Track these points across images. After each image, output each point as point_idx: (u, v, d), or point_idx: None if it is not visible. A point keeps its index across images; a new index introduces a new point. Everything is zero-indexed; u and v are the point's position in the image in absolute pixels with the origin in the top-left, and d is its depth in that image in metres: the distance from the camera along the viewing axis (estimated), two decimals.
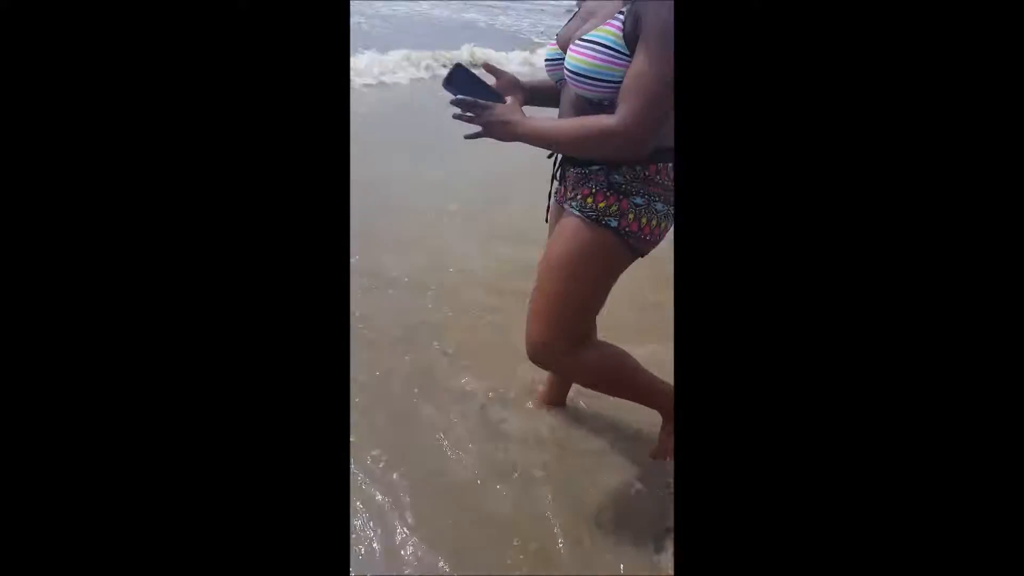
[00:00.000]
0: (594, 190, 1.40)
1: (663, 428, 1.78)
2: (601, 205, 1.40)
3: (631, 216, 1.40)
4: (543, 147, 1.45)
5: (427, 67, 7.96)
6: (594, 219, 1.40)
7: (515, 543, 1.56)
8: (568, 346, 1.53)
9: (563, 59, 1.40)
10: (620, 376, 1.66)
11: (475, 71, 1.45)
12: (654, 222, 1.42)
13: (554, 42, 1.50)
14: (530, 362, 1.59)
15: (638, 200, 1.39)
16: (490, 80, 1.49)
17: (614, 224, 1.40)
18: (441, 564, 1.48)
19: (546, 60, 1.51)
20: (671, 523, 1.61)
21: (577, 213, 1.43)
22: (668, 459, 1.74)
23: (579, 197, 1.43)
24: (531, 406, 2.02)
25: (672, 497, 1.66)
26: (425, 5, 17.10)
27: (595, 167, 1.40)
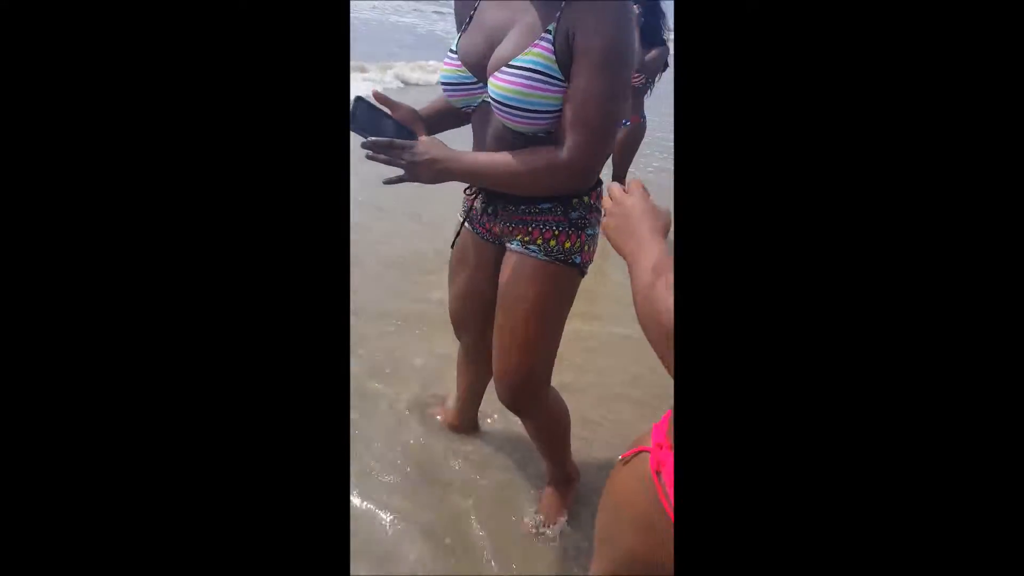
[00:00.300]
0: (557, 232, 1.31)
1: (554, 490, 1.71)
2: (567, 245, 1.33)
3: (586, 248, 1.36)
4: (479, 185, 1.35)
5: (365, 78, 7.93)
6: (562, 260, 1.34)
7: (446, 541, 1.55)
8: (545, 386, 1.48)
9: (474, 83, 1.27)
10: (562, 421, 1.63)
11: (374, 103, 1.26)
12: (593, 247, 1.41)
13: (452, 60, 1.29)
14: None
15: (590, 231, 1.36)
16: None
17: (579, 260, 1.36)
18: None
19: (447, 84, 1.30)
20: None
21: (544, 258, 1.33)
22: (553, 525, 1.65)
23: (540, 241, 1.32)
24: (441, 420, 1.98)
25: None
26: (364, 5, 16.90)
27: (545, 205, 1.31)
